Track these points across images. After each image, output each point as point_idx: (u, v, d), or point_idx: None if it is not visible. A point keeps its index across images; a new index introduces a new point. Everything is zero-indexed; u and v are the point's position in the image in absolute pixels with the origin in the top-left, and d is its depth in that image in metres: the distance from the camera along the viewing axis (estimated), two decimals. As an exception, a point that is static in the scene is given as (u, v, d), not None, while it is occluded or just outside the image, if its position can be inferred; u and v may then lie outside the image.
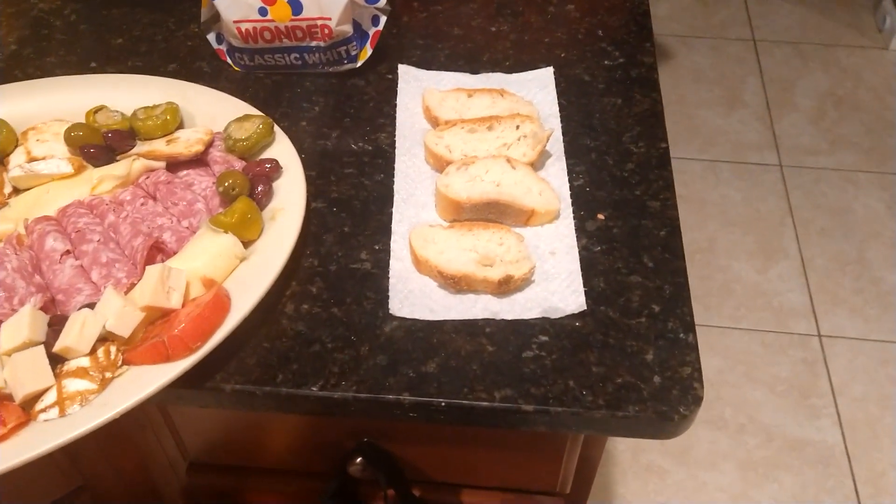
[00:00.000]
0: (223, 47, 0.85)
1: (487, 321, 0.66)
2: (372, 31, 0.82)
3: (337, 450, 0.76)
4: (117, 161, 0.73)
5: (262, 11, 0.78)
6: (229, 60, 0.85)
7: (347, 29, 0.80)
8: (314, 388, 0.62)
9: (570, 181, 0.75)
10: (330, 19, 0.78)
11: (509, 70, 0.86)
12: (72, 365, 0.58)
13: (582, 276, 0.68)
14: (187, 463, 0.85)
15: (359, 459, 0.73)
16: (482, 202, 0.70)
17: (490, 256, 0.68)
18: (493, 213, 0.71)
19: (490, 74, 0.85)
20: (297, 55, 0.82)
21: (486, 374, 0.63)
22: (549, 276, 0.68)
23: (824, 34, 2.38)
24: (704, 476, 1.53)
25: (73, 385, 0.57)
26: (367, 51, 0.83)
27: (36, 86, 0.78)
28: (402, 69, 0.84)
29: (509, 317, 0.66)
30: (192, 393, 0.62)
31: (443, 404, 0.62)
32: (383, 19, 0.82)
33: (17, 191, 0.72)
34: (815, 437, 1.57)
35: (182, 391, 0.62)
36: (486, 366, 0.63)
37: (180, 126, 0.76)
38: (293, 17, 0.78)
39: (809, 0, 2.48)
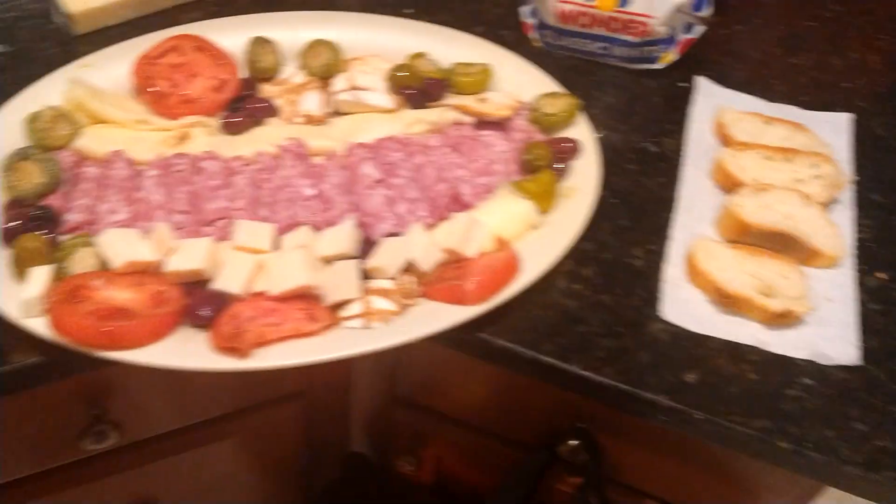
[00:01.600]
0: (533, 21, 0.87)
1: (753, 348, 0.66)
2: (682, 38, 0.83)
3: (547, 426, 0.79)
4: (429, 108, 0.77)
5: (589, -3, 0.81)
6: (535, 35, 0.88)
7: (664, 31, 0.81)
8: (576, 366, 0.65)
9: (855, 232, 0.74)
10: (652, 18, 0.79)
11: (805, 106, 0.84)
12: (377, 284, 0.63)
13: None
14: (391, 395, 0.90)
15: (574, 442, 0.75)
16: (770, 231, 0.70)
17: (772, 286, 0.68)
18: (777, 244, 0.71)
19: (784, 106, 0.84)
20: (605, 45, 0.84)
21: (746, 399, 0.63)
22: (823, 322, 0.67)
23: None
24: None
25: (377, 303, 0.62)
26: (672, 56, 0.84)
27: (365, 19, 0.84)
28: (701, 82, 0.85)
29: (777, 350, 0.66)
30: (465, 338, 0.66)
31: (698, 417, 0.63)
32: (698, 29, 0.82)
33: (335, 113, 0.78)
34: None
35: (457, 334, 0.66)
36: (747, 392, 0.64)
37: (489, 88, 0.79)
38: (617, 9, 0.80)
39: None
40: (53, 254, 0.60)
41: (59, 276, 0.58)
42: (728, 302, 0.67)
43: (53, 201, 0.65)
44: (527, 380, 0.73)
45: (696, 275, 0.69)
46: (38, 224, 0.61)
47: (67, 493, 0.80)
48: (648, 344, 0.66)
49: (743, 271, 0.68)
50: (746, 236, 0.71)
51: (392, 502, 0.98)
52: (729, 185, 0.75)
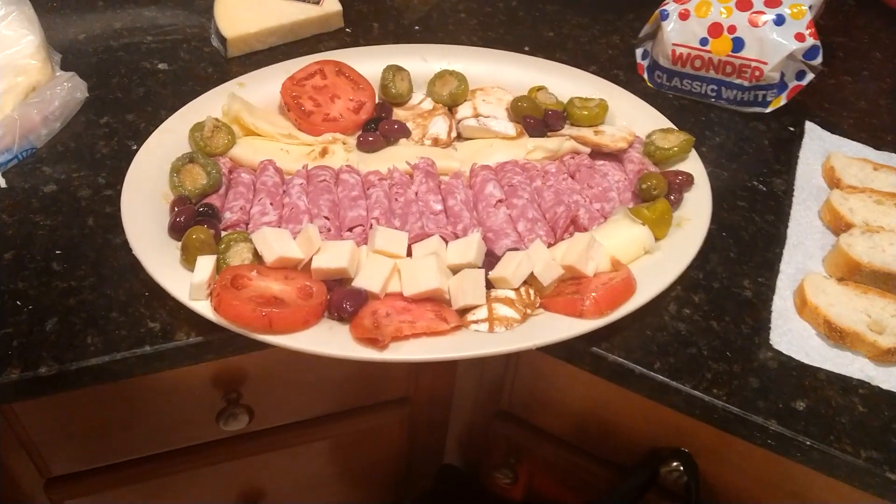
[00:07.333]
0: (645, 63, 0.92)
1: (862, 383, 0.68)
2: (793, 84, 0.86)
3: (645, 449, 0.81)
4: (548, 137, 0.82)
5: (704, 41, 0.85)
6: (645, 76, 0.92)
7: (775, 76, 0.84)
8: (687, 385, 0.67)
9: (966, 278, 0.75)
10: (766, 64, 0.83)
11: (913, 155, 0.86)
12: (500, 293, 0.67)
13: (970, 375, 0.68)
14: (494, 409, 0.93)
15: (677, 465, 0.77)
16: (881, 271, 0.72)
17: (882, 324, 0.69)
18: (887, 284, 0.73)
19: (893, 154, 0.86)
20: (715, 87, 0.88)
21: (855, 431, 0.65)
22: (934, 362, 0.69)
23: None
24: None
25: (501, 310, 0.66)
26: (782, 100, 0.87)
27: (489, 54, 0.90)
28: (810, 126, 0.88)
29: (885, 386, 0.67)
30: (580, 350, 0.69)
31: (807, 443, 0.64)
32: (809, 77, 0.85)
33: (459, 137, 0.83)
34: None
35: (572, 345, 0.69)
36: (856, 424, 0.65)
37: (604, 122, 0.84)
38: (731, 54, 0.84)
39: None
40: (216, 246, 0.66)
41: (218, 267, 0.65)
42: (837, 336, 0.69)
43: (213, 201, 0.72)
44: (628, 402, 0.76)
45: (805, 308, 0.71)
46: (202, 220, 0.68)
47: (184, 476, 0.86)
48: (757, 370, 0.68)
49: (852, 308, 0.70)
50: (856, 275, 0.73)
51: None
52: (838, 225, 0.77)
